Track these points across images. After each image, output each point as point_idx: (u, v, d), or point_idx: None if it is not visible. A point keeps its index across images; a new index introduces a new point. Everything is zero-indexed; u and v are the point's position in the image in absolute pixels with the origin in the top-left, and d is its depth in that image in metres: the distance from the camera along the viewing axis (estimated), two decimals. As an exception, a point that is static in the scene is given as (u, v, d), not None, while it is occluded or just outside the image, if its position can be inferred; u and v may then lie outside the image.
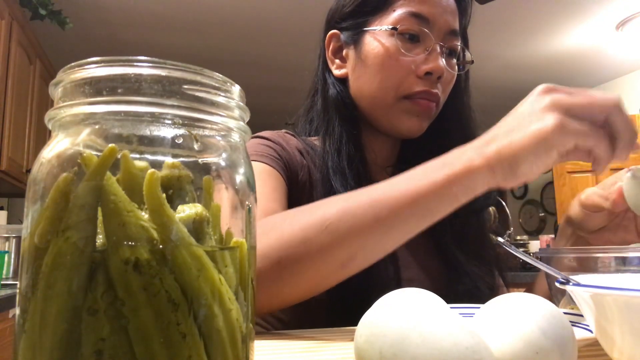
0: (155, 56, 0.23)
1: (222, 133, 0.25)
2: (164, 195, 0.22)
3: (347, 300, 0.60)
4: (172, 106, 0.23)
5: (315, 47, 0.80)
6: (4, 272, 1.90)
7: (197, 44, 3.45)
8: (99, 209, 0.21)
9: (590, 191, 0.61)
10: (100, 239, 0.21)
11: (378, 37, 0.69)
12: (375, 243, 0.49)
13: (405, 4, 0.68)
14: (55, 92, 0.24)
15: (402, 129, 0.70)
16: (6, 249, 2.13)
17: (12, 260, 2.15)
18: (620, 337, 0.31)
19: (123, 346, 0.20)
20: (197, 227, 0.23)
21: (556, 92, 0.45)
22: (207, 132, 0.24)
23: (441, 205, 0.48)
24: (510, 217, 3.31)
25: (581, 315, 0.47)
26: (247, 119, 0.27)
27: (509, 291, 0.77)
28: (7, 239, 2.17)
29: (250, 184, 0.26)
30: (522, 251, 0.50)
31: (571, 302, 0.53)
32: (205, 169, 0.24)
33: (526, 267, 2.67)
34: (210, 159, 0.25)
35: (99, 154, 0.22)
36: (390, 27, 0.68)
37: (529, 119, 0.45)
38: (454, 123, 0.74)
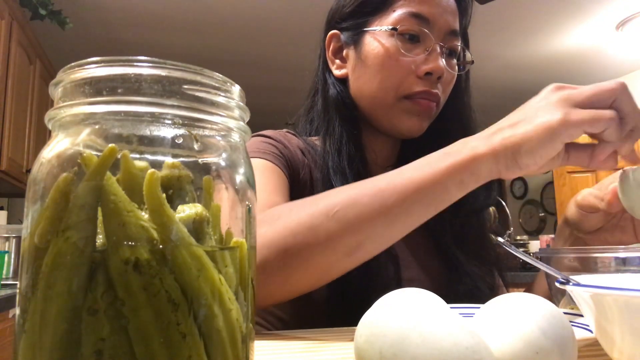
0: (155, 56, 0.23)
1: (222, 133, 0.25)
2: (164, 195, 0.22)
3: (348, 300, 0.60)
4: (172, 106, 0.23)
5: (315, 47, 0.80)
6: (4, 272, 1.90)
7: (197, 44, 3.45)
8: (99, 209, 0.21)
9: (586, 192, 0.61)
10: (100, 239, 0.21)
11: (378, 37, 0.69)
12: (382, 231, 0.49)
13: (405, 5, 0.68)
14: (55, 92, 0.24)
15: (403, 129, 0.70)
16: (6, 249, 2.13)
17: (12, 260, 2.15)
18: (620, 337, 0.31)
19: (123, 346, 0.20)
20: (197, 227, 0.23)
21: (565, 89, 0.47)
22: (207, 132, 0.24)
23: (446, 193, 0.49)
24: (510, 217, 3.31)
25: (581, 315, 0.47)
26: (247, 119, 0.27)
27: (508, 291, 0.77)
28: (7, 239, 2.17)
29: (250, 183, 0.26)
30: (522, 251, 0.50)
31: (571, 302, 0.53)
32: (205, 169, 0.24)
33: (526, 267, 2.67)
34: (210, 159, 0.25)
35: (99, 154, 0.22)
36: (391, 27, 0.68)
37: (536, 113, 0.46)
38: (454, 123, 0.74)
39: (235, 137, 0.26)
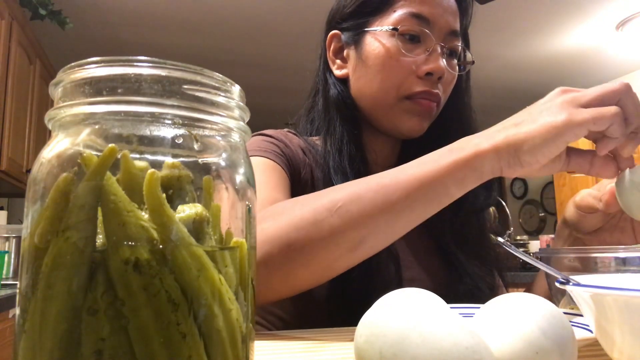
0: (155, 56, 0.23)
1: (222, 133, 0.25)
2: (164, 195, 0.22)
3: (348, 299, 0.60)
4: (172, 106, 0.23)
5: (315, 47, 0.80)
6: (4, 272, 1.90)
7: (197, 44, 3.45)
8: (99, 209, 0.21)
9: (585, 192, 0.61)
10: (100, 239, 0.21)
11: (379, 37, 0.69)
12: (385, 227, 0.49)
13: (406, 5, 0.68)
14: (55, 92, 0.24)
15: (403, 129, 0.70)
16: (6, 249, 2.13)
17: (12, 260, 2.15)
18: (620, 337, 0.31)
19: (123, 346, 0.20)
20: (197, 227, 0.23)
21: (570, 92, 0.47)
22: (207, 132, 0.24)
23: (449, 190, 0.49)
24: (510, 217, 3.31)
25: (581, 315, 0.47)
26: (247, 119, 0.27)
27: (508, 291, 0.77)
28: (7, 239, 2.17)
29: (250, 183, 0.26)
30: (522, 251, 0.50)
31: (571, 302, 0.53)
32: (205, 169, 0.24)
33: (526, 267, 2.67)
34: (210, 159, 0.25)
35: (99, 154, 0.22)
36: (391, 27, 0.68)
37: (540, 114, 0.47)
38: (454, 123, 0.74)
39: (235, 137, 0.26)
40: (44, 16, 2.60)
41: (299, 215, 0.49)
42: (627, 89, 0.46)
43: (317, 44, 0.80)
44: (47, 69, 3.08)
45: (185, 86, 0.23)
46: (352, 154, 0.69)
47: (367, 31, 0.71)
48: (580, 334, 0.43)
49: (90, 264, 0.20)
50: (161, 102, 0.22)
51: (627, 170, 0.49)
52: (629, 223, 0.61)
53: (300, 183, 0.69)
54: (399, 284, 0.65)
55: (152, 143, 0.23)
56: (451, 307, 0.31)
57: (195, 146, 0.24)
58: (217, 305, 0.22)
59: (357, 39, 0.72)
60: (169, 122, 0.23)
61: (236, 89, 0.26)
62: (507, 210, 3.10)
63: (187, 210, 0.23)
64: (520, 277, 2.58)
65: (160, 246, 0.21)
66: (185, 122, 0.23)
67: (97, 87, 0.23)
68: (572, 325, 0.31)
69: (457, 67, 0.72)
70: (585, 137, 0.47)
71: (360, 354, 0.28)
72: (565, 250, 0.57)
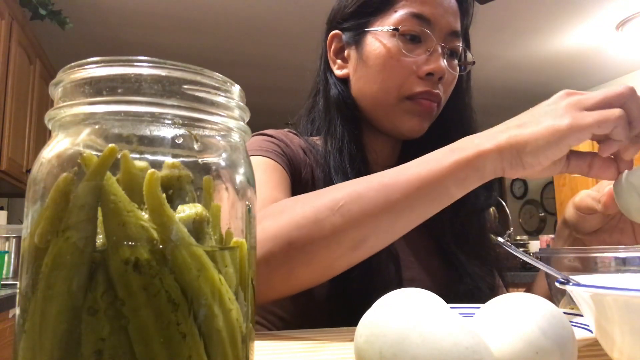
0: (155, 56, 0.23)
1: (222, 133, 0.25)
2: (164, 195, 0.22)
3: (348, 299, 0.60)
4: (172, 106, 0.23)
5: (315, 47, 0.80)
6: (4, 272, 1.90)
7: (197, 44, 3.45)
8: (99, 209, 0.21)
9: (584, 193, 0.61)
10: (100, 239, 0.21)
11: (379, 37, 0.69)
12: (387, 226, 0.49)
13: (407, 5, 0.68)
14: (55, 92, 0.24)
15: (404, 129, 0.70)
16: (6, 249, 2.13)
17: (12, 260, 2.15)
18: (620, 337, 0.31)
19: (123, 346, 0.20)
20: (197, 227, 0.23)
21: (575, 95, 0.48)
22: (207, 132, 0.24)
23: (451, 189, 0.49)
24: (510, 217, 3.31)
25: (581, 315, 0.47)
26: (247, 119, 0.27)
27: (508, 291, 0.77)
28: (7, 239, 2.17)
29: (250, 183, 0.26)
30: (522, 251, 0.50)
31: (571, 302, 0.53)
32: (205, 169, 0.24)
33: (526, 267, 2.67)
34: (210, 159, 0.25)
35: (99, 154, 0.22)
36: (392, 27, 0.68)
37: (544, 116, 0.47)
38: (455, 123, 0.74)
39: (235, 137, 0.26)
40: (44, 16, 2.60)
41: (300, 214, 0.49)
42: (632, 93, 0.46)
43: (317, 44, 0.80)
44: (47, 69, 3.08)
45: (185, 86, 0.23)
46: (352, 154, 0.69)
47: (368, 31, 0.71)
48: (580, 334, 0.43)
49: (90, 264, 0.20)
50: (161, 102, 0.22)
51: (625, 172, 0.49)
52: (629, 224, 0.61)
53: (300, 183, 0.69)
54: (399, 284, 0.65)
55: (152, 143, 0.23)
56: (451, 307, 0.31)
57: (195, 146, 0.24)
58: (217, 305, 0.22)
59: (357, 39, 0.72)
60: (169, 122, 0.23)
61: (236, 89, 0.26)
62: (507, 210, 3.10)
63: (187, 210, 0.23)
64: (520, 277, 2.58)
65: (160, 246, 0.21)
66: (185, 122, 0.23)
67: (97, 87, 0.23)
68: (572, 325, 0.31)
69: (457, 68, 0.72)
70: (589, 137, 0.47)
71: (360, 354, 0.28)
72: (565, 250, 0.57)
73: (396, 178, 0.49)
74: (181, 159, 0.23)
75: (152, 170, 0.22)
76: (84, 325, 0.20)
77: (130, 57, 0.23)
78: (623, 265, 0.50)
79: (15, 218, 3.28)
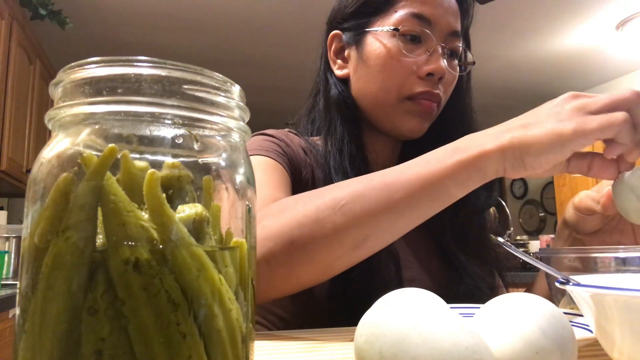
0: (155, 56, 0.23)
1: (222, 133, 0.25)
2: (164, 195, 0.22)
3: (349, 299, 0.60)
4: (172, 106, 0.23)
5: (315, 47, 0.80)
6: (4, 272, 1.90)
7: (197, 44, 3.45)
8: (99, 209, 0.21)
9: (583, 194, 0.61)
10: (100, 239, 0.21)
11: (380, 37, 0.69)
12: (388, 225, 0.49)
13: (407, 5, 0.68)
14: (55, 92, 0.24)
15: (404, 130, 0.70)
16: (6, 249, 2.13)
17: (12, 260, 2.15)
18: (620, 337, 0.31)
19: (123, 346, 0.20)
20: (197, 227, 0.23)
21: (580, 98, 0.47)
22: (207, 132, 0.24)
23: (452, 189, 0.49)
24: (510, 217, 3.31)
25: (581, 315, 0.47)
26: (247, 119, 0.27)
27: (508, 291, 0.77)
28: (7, 239, 2.17)
29: (250, 183, 0.26)
30: (522, 251, 0.50)
31: (571, 302, 0.53)
32: (205, 169, 0.24)
33: (526, 267, 2.67)
34: (210, 159, 0.25)
35: (99, 154, 0.22)
36: (392, 27, 0.68)
37: (549, 118, 0.47)
38: (455, 124, 0.74)
39: (235, 137, 0.26)
40: (44, 16, 2.60)
41: (301, 213, 0.49)
42: (638, 97, 0.46)
43: (317, 44, 0.80)
44: (47, 69, 3.08)
45: (185, 86, 0.23)
46: (352, 154, 0.69)
47: (368, 31, 0.71)
48: (580, 334, 0.43)
49: (90, 264, 0.20)
50: (161, 102, 0.22)
51: (624, 174, 0.49)
52: (629, 225, 0.61)
53: (301, 183, 0.69)
54: (399, 284, 0.65)
55: (152, 143, 0.23)
56: (451, 307, 0.31)
57: (195, 146, 0.24)
58: (217, 305, 0.22)
59: (358, 39, 0.72)
60: (169, 122, 0.23)
61: (236, 89, 0.26)
62: (507, 210, 3.10)
63: (187, 210, 0.23)
64: (520, 277, 2.58)
65: (160, 246, 0.21)
66: (185, 122, 0.23)
67: (97, 87, 0.23)
68: (572, 325, 0.31)
69: (457, 68, 0.72)
70: None
71: (360, 354, 0.28)
72: (565, 250, 0.57)
73: (398, 177, 0.49)
74: (181, 159, 0.23)
75: (152, 170, 0.22)
76: (84, 325, 0.20)
77: (130, 57, 0.23)
78: (623, 265, 0.50)
79: (15, 218, 3.28)
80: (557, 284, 0.35)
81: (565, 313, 0.33)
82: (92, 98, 0.22)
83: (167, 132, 0.23)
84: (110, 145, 0.21)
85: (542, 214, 5.43)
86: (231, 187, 0.25)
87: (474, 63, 0.75)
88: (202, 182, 0.24)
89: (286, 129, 0.78)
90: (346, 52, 0.75)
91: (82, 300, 0.20)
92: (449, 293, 0.52)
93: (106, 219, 0.21)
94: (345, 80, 0.75)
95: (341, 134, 0.70)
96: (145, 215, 0.21)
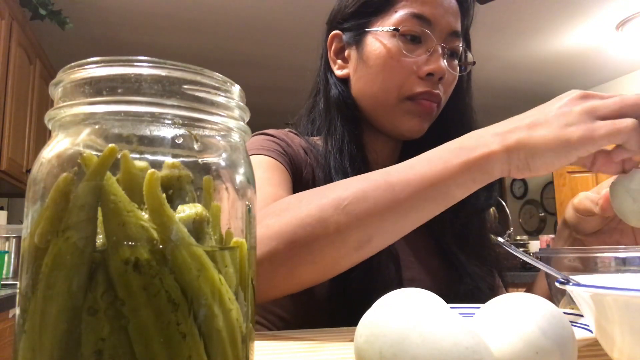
0: (155, 56, 0.23)
1: (222, 133, 0.25)
2: (164, 195, 0.22)
3: (349, 299, 0.60)
4: (172, 106, 0.23)
5: (315, 47, 0.80)
6: (4, 272, 1.90)
7: (197, 44, 3.45)
8: (99, 209, 0.21)
9: (583, 195, 0.60)
10: (100, 239, 0.21)
11: (380, 38, 0.69)
12: (392, 226, 0.49)
13: (407, 5, 0.68)
14: (55, 92, 0.24)
15: (403, 130, 0.70)
16: (6, 249, 2.13)
17: (12, 260, 2.15)
18: (620, 337, 0.31)
19: (123, 346, 0.20)
20: (197, 227, 0.23)
21: (589, 100, 0.47)
22: (207, 132, 0.24)
23: (457, 189, 0.49)
24: (510, 217, 3.31)
25: (581, 315, 0.47)
26: (247, 119, 0.27)
27: (508, 291, 0.77)
28: (7, 239, 2.17)
29: (251, 183, 0.26)
30: (522, 251, 0.50)
31: (571, 302, 0.53)
32: (205, 169, 0.24)
33: (526, 267, 2.67)
34: (210, 159, 0.25)
35: (99, 154, 0.22)
36: (392, 28, 0.68)
37: (556, 120, 0.46)
38: (455, 124, 0.74)
39: (235, 137, 0.26)
40: (44, 16, 2.60)
41: (304, 212, 0.49)
42: None
43: (317, 44, 0.80)
44: (47, 69, 3.08)
45: (185, 86, 0.23)
46: (352, 154, 0.69)
47: (369, 31, 0.71)
48: (580, 334, 0.43)
49: (90, 264, 0.20)
50: (161, 102, 0.22)
51: (621, 176, 0.49)
52: (629, 226, 0.61)
53: (301, 183, 0.69)
54: (399, 284, 0.65)
55: (152, 143, 0.23)
56: (451, 307, 0.31)
57: (195, 146, 0.24)
58: (217, 305, 0.22)
59: (358, 39, 0.72)
60: (169, 122, 0.23)
61: (236, 89, 0.26)
62: (507, 210, 3.10)
63: (187, 210, 0.23)
64: (520, 277, 2.58)
65: (160, 246, 0.21)
66: (185, 122, 0.23)
67: (97, 87, 0.23)
68: (572, 325, 0.31)
69: (457, 68, 0.72)
70: None
71: (360, 354, 0.28)
72: (565, 250, 0.57)
73: (402, 178, 0.49)
74: (181, 159, 0.23)
75: (152, 170, 0.22)
76: (84, 325, 0.20)
77: (130, 57, 0.23)
78: (623, 265, 0.49)
79: (15, 218, 3.28)
80: (557, 284, 0.35)
81: (565, 313, 0.33)
82: (92, 98, 0.22)
83: (167, 132, 0.23)
84: (110, 145, 0.21)
85: (542, 214, 5.43)
86: (231, 187, 0.25)
87: (474, 63, 0.75)
88: (202, 182, 0.24)
89: (286, 129, 0.78)
90: (346, 52, 0.75)
91: (82, 300, 0.20)
92: (449, 293, 0.52)
93: (106, 219, 0.21)
94: (345, 80, 0.75)
95: (341, 134, 0.70)
96: (145, 215, 0.21)
